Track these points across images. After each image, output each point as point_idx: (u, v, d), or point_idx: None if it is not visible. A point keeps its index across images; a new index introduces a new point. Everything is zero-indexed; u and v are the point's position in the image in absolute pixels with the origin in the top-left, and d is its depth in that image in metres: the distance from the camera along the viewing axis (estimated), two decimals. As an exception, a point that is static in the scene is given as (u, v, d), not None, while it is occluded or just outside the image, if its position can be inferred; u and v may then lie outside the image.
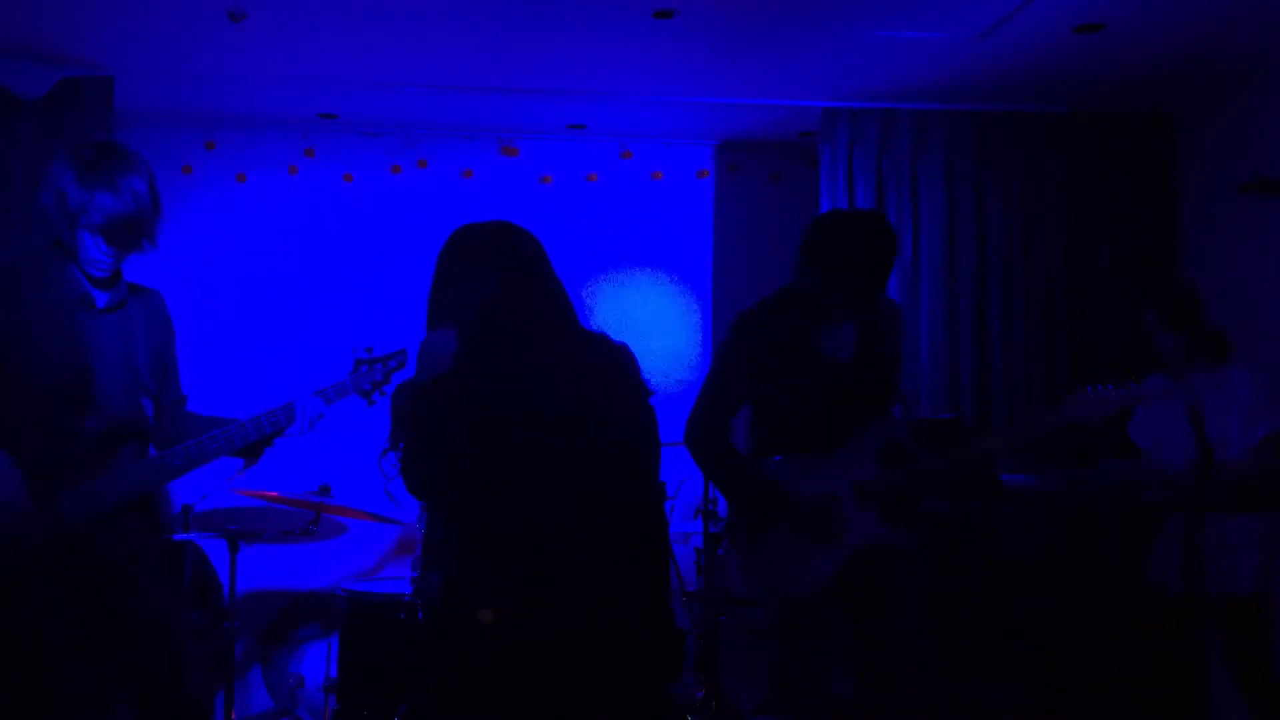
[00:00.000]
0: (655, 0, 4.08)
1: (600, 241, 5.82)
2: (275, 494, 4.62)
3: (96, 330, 2.88)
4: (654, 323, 5.80)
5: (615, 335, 2.67)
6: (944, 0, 4.12)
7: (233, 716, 4.51)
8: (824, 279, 3.23)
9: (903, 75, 4.90)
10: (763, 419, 3.38)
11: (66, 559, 2.79)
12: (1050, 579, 4.77)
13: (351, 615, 4.48)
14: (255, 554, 5.22)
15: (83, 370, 2.83)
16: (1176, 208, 5.36)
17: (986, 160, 5.30)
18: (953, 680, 4.52)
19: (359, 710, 4.38)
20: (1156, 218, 5.33)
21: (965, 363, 5.22)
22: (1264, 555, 3.97)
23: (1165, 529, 4.12)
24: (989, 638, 4.79)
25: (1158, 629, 4.16)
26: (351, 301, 5.59)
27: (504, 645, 2.50)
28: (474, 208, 5.69)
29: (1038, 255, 5.29)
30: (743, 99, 5.22)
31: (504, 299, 2.57)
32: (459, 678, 2.57)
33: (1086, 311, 5.28)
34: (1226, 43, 4.54)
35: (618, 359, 2.63)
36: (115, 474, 2.84)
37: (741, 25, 4.34)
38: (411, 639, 4.31)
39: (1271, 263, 4.70)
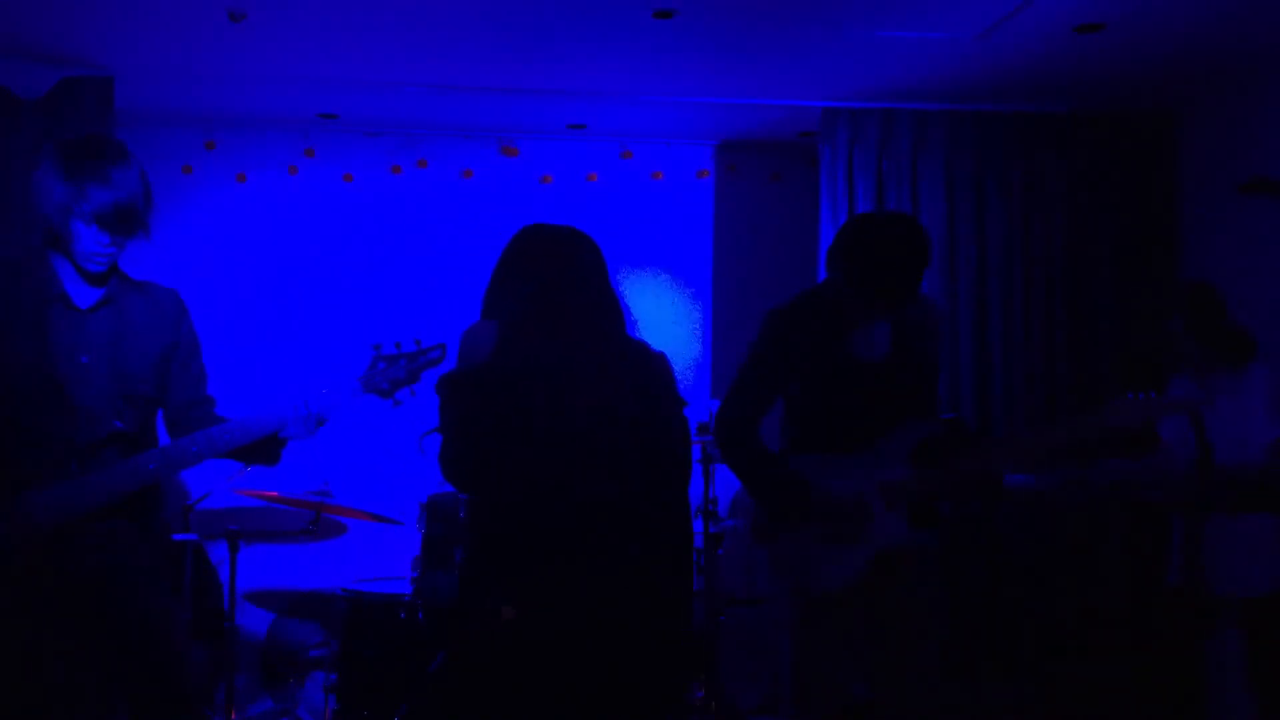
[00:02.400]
0: (655, 0, 4.08)
1: (600, 241, 5.79)
2: (275, 494, 4.62)
3: (77, 330, 2.83)
4: (654, 323, 5.80)
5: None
6: (944, 0, 4.12)
7: (233, 716, 4.51)
8: (854, 285, 3.22)
9: (903, 75, 4.90)
10: (794, 416, 3.36)
11: (44, 562, 2.77)
12: (1050, 579, 4.77)
13: (351, 615, 4.48)
14: (255, 554, 5.22)
15: (51, 372, 2.78)
16: (1176, 208, 5.36)
17: (986, 160, 5.29)
18: (953, 680, 4.52)
19: (359, 710, 4.38)
20: (1156, 218, 5.33)
21: (965, 363, 5.22)
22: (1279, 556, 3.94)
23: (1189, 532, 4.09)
24: (989, 638, 4.79)
25: (1164, 629, 4.14)
26: (352, 302, 5.59)
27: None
28: (474, 208, 5.70)
29: (1038, 255, 5.29)
30: (743, 99, 5.22)
31: (547, 298, 2.59)
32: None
33: (1086, 311, 5.27)
34: (1226, 43, 4.54)
35: (653, 367, 2.65)
36: (91, 476, 2.79)
37: (741, 25, 4.34)
38: (411, 639, 4.31)
39: (1271, 263, 4.70)
